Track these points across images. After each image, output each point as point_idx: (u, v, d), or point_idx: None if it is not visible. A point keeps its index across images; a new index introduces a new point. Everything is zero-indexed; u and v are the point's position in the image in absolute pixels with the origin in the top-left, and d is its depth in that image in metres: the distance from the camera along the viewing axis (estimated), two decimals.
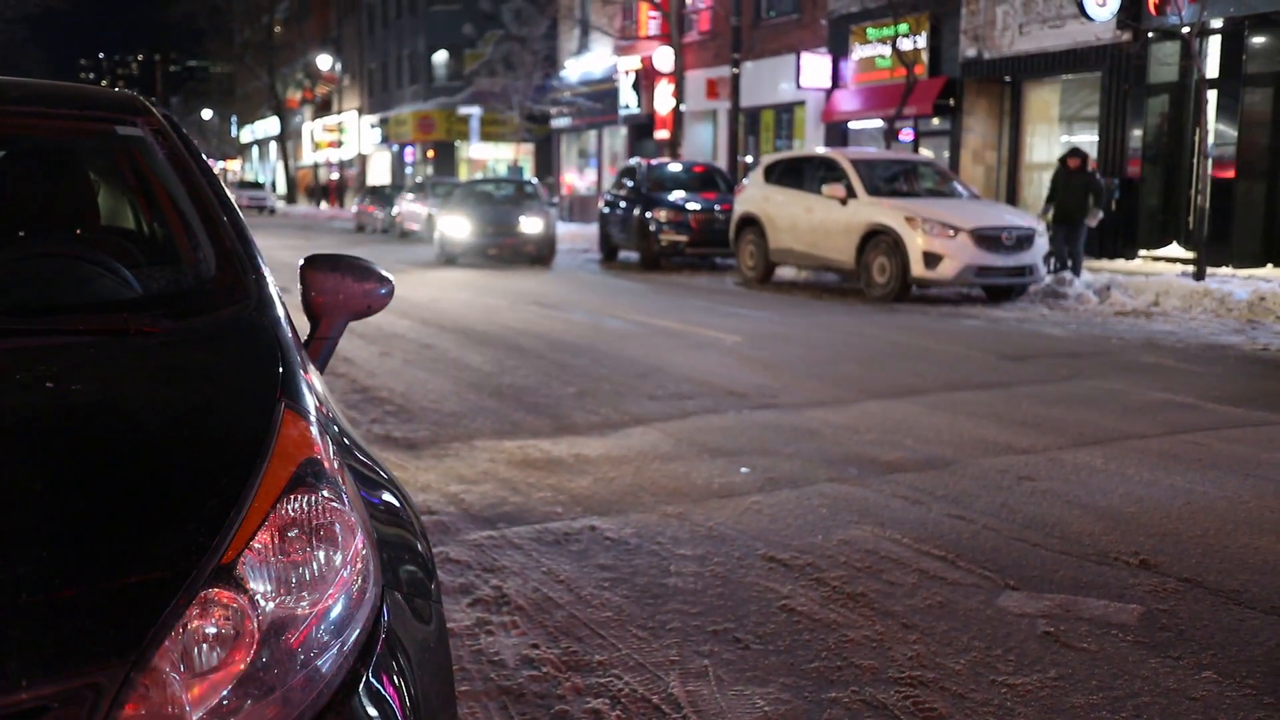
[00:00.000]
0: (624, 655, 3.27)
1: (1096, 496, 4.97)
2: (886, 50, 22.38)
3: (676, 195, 19.32)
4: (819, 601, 3.70)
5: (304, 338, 2.38)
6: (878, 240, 13.83)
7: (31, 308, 2.15)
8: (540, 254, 19.93)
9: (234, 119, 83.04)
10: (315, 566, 1.53)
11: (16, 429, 1.65)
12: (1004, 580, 3.91)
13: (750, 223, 16.37)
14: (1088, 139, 19.13)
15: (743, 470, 5.41)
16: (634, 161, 21.79)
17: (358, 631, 1.53)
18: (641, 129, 32.23)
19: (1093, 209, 14.69)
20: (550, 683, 3.09)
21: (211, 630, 1.41)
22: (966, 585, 3.86)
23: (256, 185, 58.74)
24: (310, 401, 1.85)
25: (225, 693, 1.39)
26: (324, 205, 59.49)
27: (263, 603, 1.46)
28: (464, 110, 42.51)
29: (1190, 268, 14.77)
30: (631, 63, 31.92)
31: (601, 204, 21.75)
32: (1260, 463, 5.58)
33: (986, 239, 13.20)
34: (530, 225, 19.82)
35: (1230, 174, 16.49)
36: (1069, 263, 14.75)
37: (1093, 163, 15.14)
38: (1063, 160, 15.00)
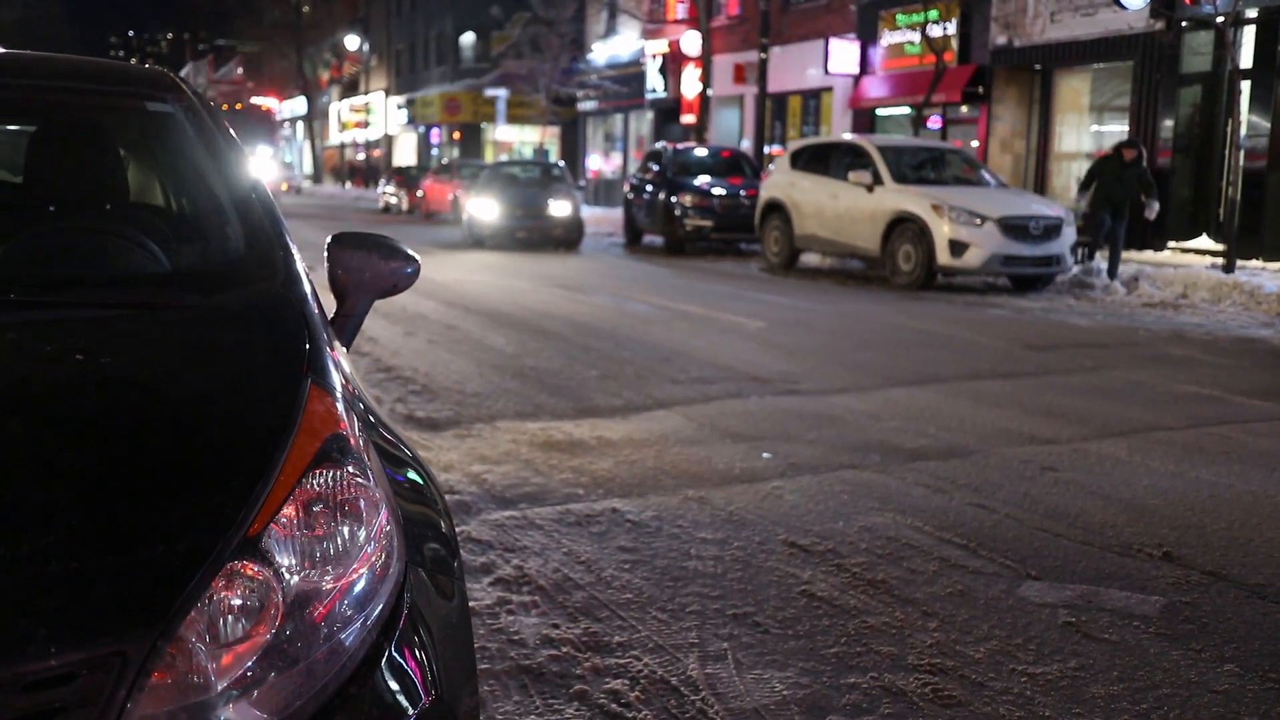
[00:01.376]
0: (644, 637, 3.28)
1: (1120, 488, 4.94)
2: (916, 37, 22.24)
3: (702, 180, 19.28)
4: (839, 587, 3.70)
5: (330, 315, 2.39)
6: (903, 228, 13.77)
7: (61, 281, 2.17)
8: (569, 237, 19.95)
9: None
10: (340, 541, 1.54)
11: (46, 401, 1.67)
12: (1025, 570, 3.89)
13: (776, 208, 16.32)
14: (1119, 129, 18.96)
15: (764, 455, 5.41)
16: (660, 146, 21.76)
17: (381, 606, 1.54)
18: (668, 113, 32.14)
19: (1149, 201, 13.88)
20: (570, 662, 3.10)
21: (237, 602, 1.42)
22: (987, 574, 3.85)
23: (284, 164, 58.87)
24: (336, 378, 1.86)
25: (250, 664, 1.41)
26: (349, 186, 59.62)
27: (288, 576, 1.47)
28: (490, 92, 42.46)
29: (1220, 260, 14.63)
30: (659, 46, 31.82)
31: (627, 188, 21.74)
32: None
33: (1013, 228, 13.12)
34: (559, 208, 19.84)
35: (1262, 165, 16.30)
36: (1093, 252, 14.26)
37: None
38: (1118, 150, 13.98)
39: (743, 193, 18.69)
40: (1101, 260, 14.16)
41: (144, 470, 1.53)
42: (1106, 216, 13.91)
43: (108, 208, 2.63)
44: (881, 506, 4.60)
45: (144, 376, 1.79)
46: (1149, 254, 16.92)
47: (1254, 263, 15.19)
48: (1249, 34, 16.63)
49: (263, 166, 30.52)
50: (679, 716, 2.82)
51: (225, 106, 33.11)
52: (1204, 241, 17.37)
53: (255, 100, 35.21)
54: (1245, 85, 15.78)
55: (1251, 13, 16.04)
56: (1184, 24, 16.83)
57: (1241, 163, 14.64)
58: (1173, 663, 3.18)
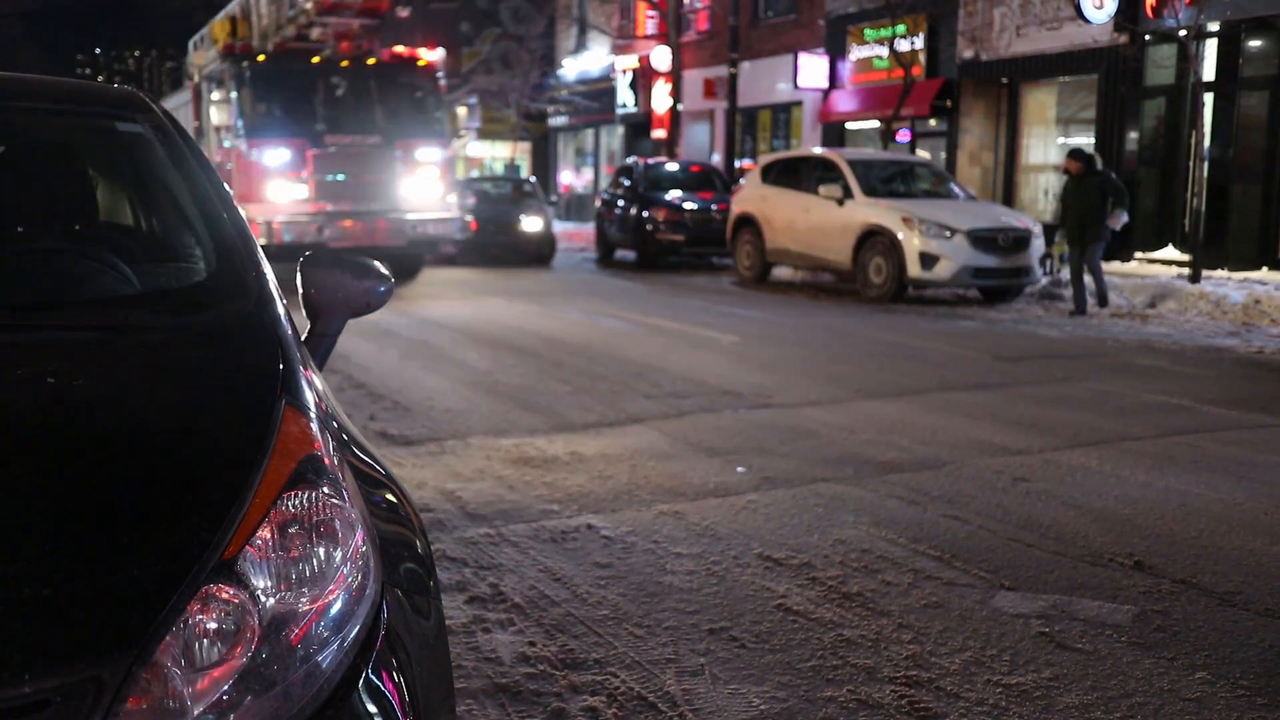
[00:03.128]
0: (620, 653, 3.28)
1: (1091, 498, 4.98)
2: (884, 51, 22.39)
3: (674, 195, 19.34)
4: (814, 600, 3.71)
5: (303, 335, 2.38)
6: (874, 241, 13.84)
7: (31, 303, 2.15)
8: (540, 252, 19.99)
9: None
10: (316, 563, 1.54)
11: (18, 424, 1.66)
12: (999, 580, 3.92)
13: (747, 222, 16.37)
14: (1084, 141, 19.16)
15: (739, 469, 5.42)
16: (631, 161, 21.83)
17: (358, 628, 1.54)
18: (639, 128, 32.20)
19: (1114, 211, 12.42)
20: (546, 680, 3.10)
21: (213, 625, 1.42)
22: (961, 585, 3.87)
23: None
24: (310, 398, 1.86)
25: (226, 688, 1.40)
26: None
27: (263, 599, 1.47)
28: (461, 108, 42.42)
29: (1186, 270, 14.78)
30: (629, 62, 31.90)
31: (599, 203, 21.78)
32: (1254, 465, 5.60)
33: (983, 240, 13.21)
34: (530, 224, 19.89)
35: (1225, 177, 16.51)
36: (1077, 289, 12.65)
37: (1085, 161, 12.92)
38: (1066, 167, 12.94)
39: (714, 207, 18.76)
40: (1090, 298, 12.88)
41: (117, 494, 1.52)
42: (1075, 254, 12.62)
43: (77, 229, 2.62)
44: (855, 519, 4.62)
45: (117, 399, 1.78)
46: (1116, 264, 17.08)
47: (1219, 273, 15.36)
48: (1211, 47, 16.86)
49: (423, 183, 15.24)
50: None
51: (345, 63, 15.73)
52: (1170, 252, 17.56)
53: (403, 50, 16.91)
54: (1208, 97, 15.98)
55: (1213, 26, 16.26)
56: (1147, 37, 17.04)
57: (1205, 174, 14.80)
58: (1145, 671, 3.20)
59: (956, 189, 15.25)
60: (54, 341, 1.95)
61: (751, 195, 16.42)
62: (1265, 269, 15.78)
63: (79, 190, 2.69)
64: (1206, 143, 14.90)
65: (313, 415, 1.80)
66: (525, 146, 40.12)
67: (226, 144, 15.67)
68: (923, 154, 21.77)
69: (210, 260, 2.28)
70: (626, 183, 20.41)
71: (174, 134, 2.55)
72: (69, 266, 2.35)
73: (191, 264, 2.35)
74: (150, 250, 2.59)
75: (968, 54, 21.01)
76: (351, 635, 1.52)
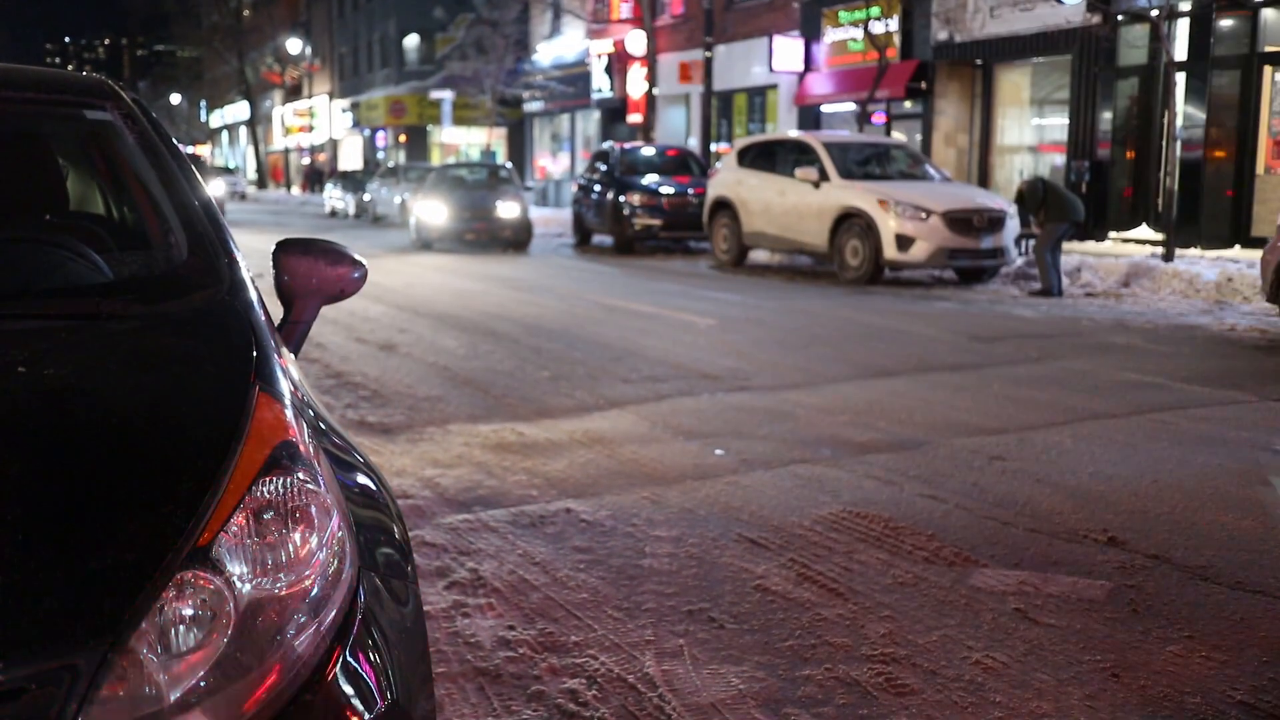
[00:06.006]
0: (600, 636, 3.29)
1: (1066, 475, 5.03)
2: (859, 33, 22.42)
3: (650, 179, 19.32)
4: (793, 581, 3.74)
5: (277, 322, 2.38)
6: (850, 223, 13.88)
7: (1, 293, 2.14)
8: (517, 238, 19.93)
9: (203, 104, 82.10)
10: (291, 548, 1.54)
11: None
12: (975, 558, 3.95)
13: (724, 206, 16.38)
14: (1058, 122, 19.25)
15: (717, 452, 5.44)
16: (607, 145, 21.79)
17: (334, 612, 1.54)
18: (614, 113, 32.14)
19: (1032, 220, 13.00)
20: (527, 664, 3.11)
21: (188, 612, 1.42)
22: (938, 563, 3.90)
23: (227, 170, 58.31)
24: (284, 385, 1.86)
25: (203, 673, 1.40)
26: (295, 190, 58.95)
27: (239, 584, 1.47)
28: (436, 94, 42.15)
29: (1159, 249, 14.88)
30: (604, 46, 31.81)
31: (575, 188, 21.73)
32: (1226, 441, 5.66)
33: (958, 221, 13.27)
34: (507, 210, 19.83)
35: (1198, 156, 16.62)
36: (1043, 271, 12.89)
37: (1022, 183, 13.24)
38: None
39: (690, 191, 18.76)
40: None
41: (91, 481, 1.52)
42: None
43: (47, 218, 2.60)
44: (833, 500, 4.65)
45: (89, 387, 1.77)
46: (1090, 244, 17.18)
47: (1192, 251, 15.48)
48: (1183, 26, 16.95)
49: None
50: (637, 714, 2.84)
51: None
52: (1144, 231, 17.67)
53: None
54: (1180, 77, 16.06)
55: (1185, 6, 16.34)
56: (1120, 18, 17.11)
57: (1178, 154, 14.89)
58: (1119, 645, 3.24)
59: (932, 170, 15.29)
60: (25, 331, 1.94)
61: (728, 179, 16.42)
62: (1237, 247, 15.91)
63: (48, 179, 2.67)
64: (1179, 122, 14.99)
65: (287, 401, 1.80)
66: (501, 132, 39.97)
67: None
68: (898, 136, 21.82)
69: (182, 248, 2.27)
70: (603, 168, 20.37)
71: (143, 121, 2.54)
72: (39, 256, 2.33)
73: (163, 252, 2.34)
74: (121, 238, 2.57)
75: (942, 35, 21.05)
76: (328, 620, 1.53)
